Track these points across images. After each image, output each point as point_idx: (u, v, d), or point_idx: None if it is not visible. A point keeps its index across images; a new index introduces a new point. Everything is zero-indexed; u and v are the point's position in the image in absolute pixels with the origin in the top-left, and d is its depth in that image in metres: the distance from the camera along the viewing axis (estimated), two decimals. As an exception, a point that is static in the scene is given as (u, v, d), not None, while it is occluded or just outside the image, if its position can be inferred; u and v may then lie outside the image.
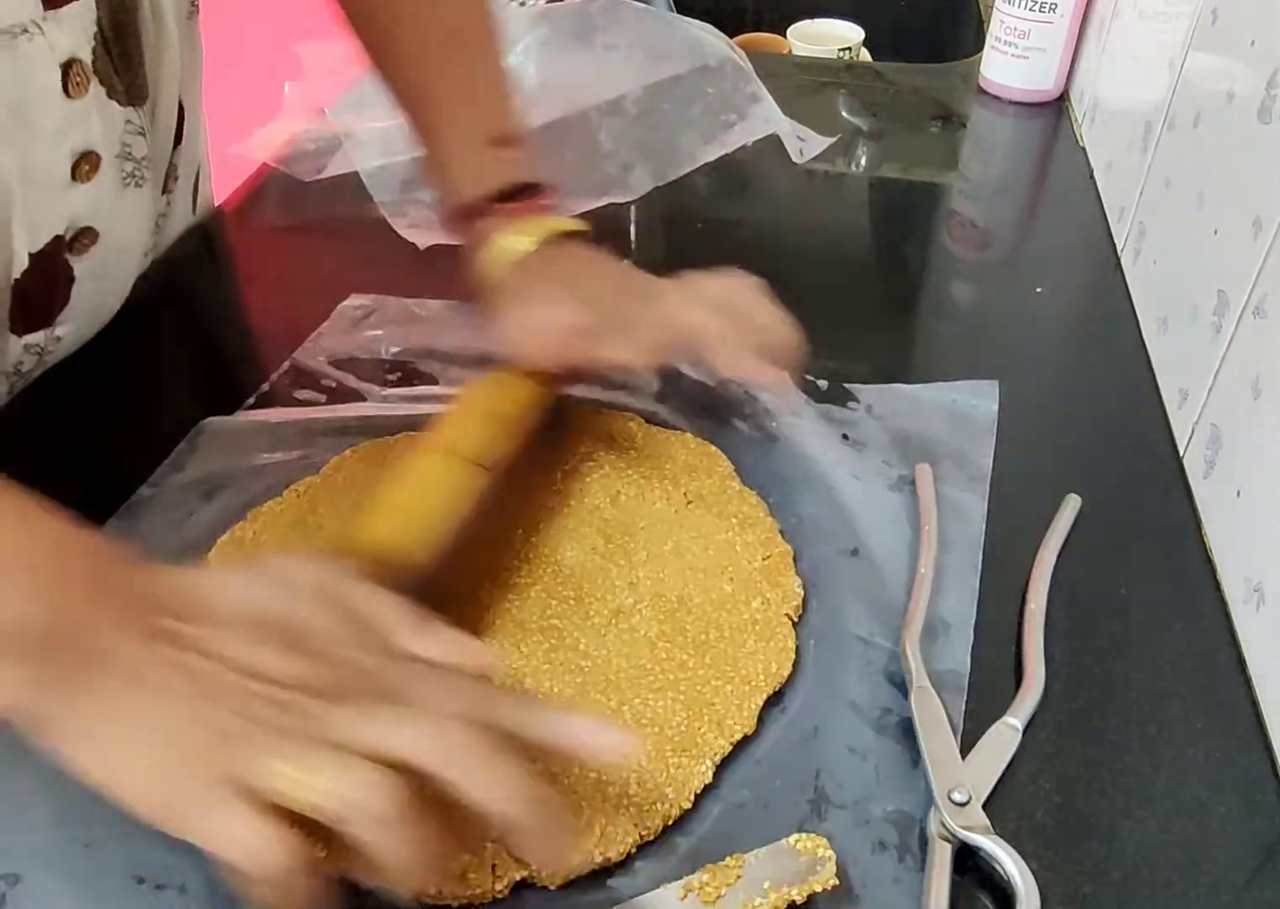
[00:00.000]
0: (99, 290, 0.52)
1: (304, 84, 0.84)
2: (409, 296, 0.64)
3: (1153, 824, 0.39)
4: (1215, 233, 0.53)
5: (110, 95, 0.47)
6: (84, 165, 0.47)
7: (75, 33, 0.44)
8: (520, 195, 0.53)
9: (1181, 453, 0.54)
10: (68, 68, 0.44)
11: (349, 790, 0.30)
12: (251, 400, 0.57)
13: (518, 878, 0.36)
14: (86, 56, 0.44)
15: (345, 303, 0.64)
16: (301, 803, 0.30)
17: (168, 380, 0.54)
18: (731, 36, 0.88)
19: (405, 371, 0.59)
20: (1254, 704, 0.43)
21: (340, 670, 0.33)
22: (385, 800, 0.30)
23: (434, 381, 0.58)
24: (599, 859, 0.36)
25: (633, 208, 0.75)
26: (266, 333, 0.64)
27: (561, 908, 0.36)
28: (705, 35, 0.86)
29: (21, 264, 0.46)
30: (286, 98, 0.83)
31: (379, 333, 0.62)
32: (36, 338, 0.49)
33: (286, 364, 0.59)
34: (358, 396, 0.58)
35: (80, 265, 0.50)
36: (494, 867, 0.36)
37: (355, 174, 0.75)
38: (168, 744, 0.31)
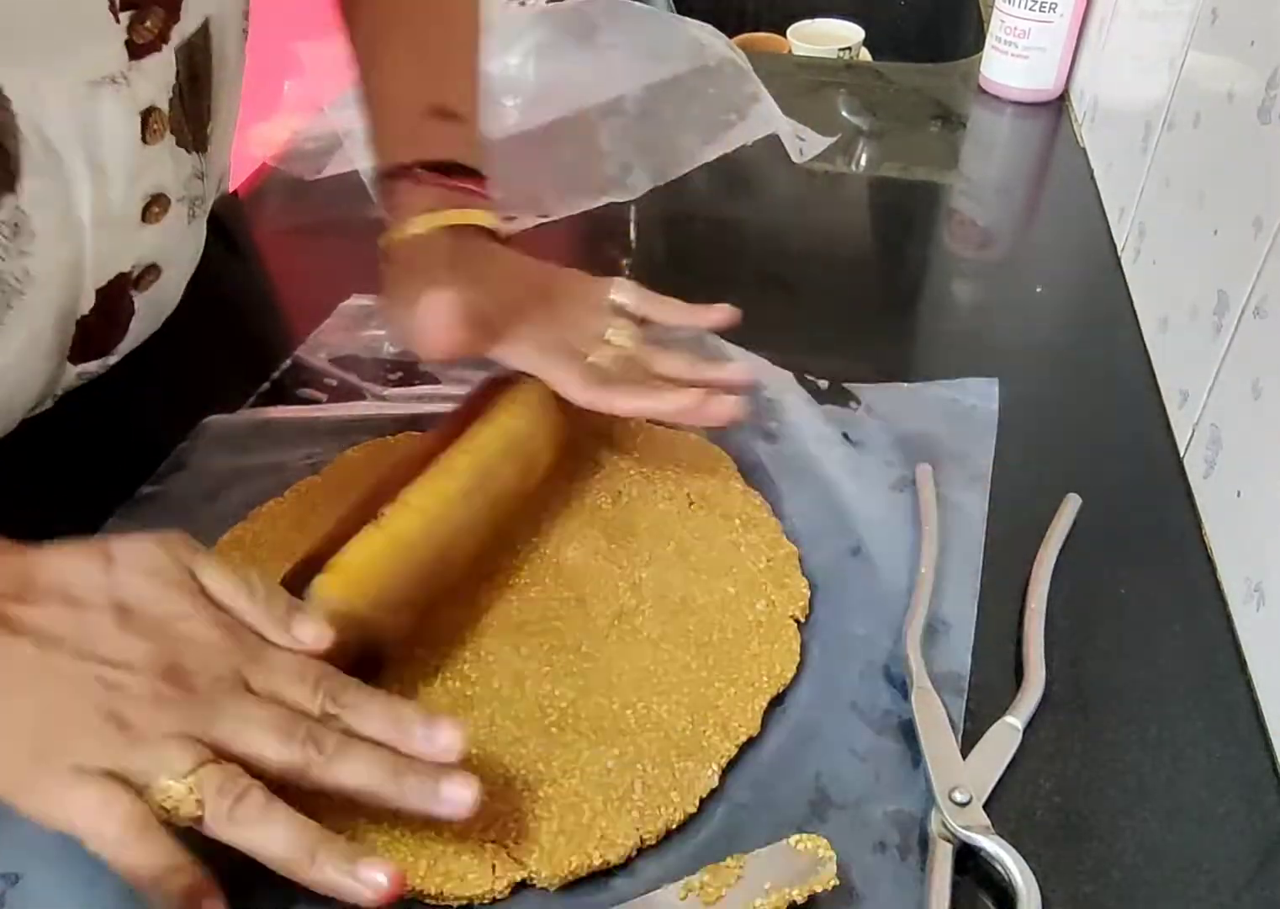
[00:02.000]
0: (149, 317, 0.53)
1: (303, 82, 0.84)
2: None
3: (1153, 824, 0.39)
4: (1215, 233, 0.53)
5: (179, 143, 0.48)
6: (154, 208, 0.48)
7: (157, 82, 0.45)
8: (448, 174, 0.51)
9: (1181, 453, 0.54)
10: (147, 116, 0.45)
11: (188, 789, 0.32)
12: (253, 399, 0.57)
13: (518, 878, 0.36)
14: (164, 106, 0.46)
15: (347, 302, 0.64)
16: (153, 803, 0.32)
17: (169, 379, 0.55)
18: (731, 36, 0.88)
19: (406, 371, 0.59)
20: (1254, 704, 0.43)
21: (184, 650, 0.35)
22: (231, 797, 0.32)
23: (435, 381, 0.58)
24: (598, 861, 0.36)
25: (632, 208, 0.75)
26: (267, 332, 0.64)
27: (561, 908, 0.36)
28: (705, 35, 0.86)
29: (89, 301, 0.48)
30: (286, 96, 0.82)
31: (380, 332, 0.62)
32: (90, 366, 0.51)
33: (288, 363, 0.60)
34: (359, 395, 0.58)
35: (140, 299, 0.51)
36: (494, 867, 0.36)
37: (355, 173, 0.75)
38: (17, 737, 0.32)
